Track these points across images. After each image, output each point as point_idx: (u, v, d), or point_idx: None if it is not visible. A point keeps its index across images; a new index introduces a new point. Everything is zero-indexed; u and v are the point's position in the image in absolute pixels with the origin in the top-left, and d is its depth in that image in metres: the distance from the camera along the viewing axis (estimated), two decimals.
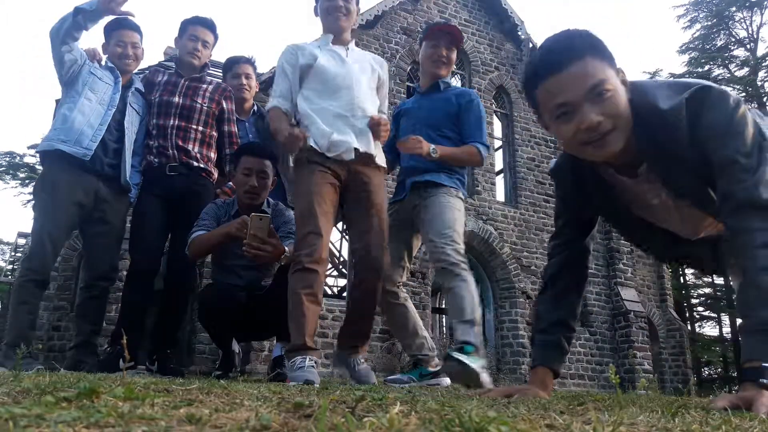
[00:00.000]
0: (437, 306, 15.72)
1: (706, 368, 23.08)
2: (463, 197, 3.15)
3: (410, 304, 3.19)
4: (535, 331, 1.78)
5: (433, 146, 2.99)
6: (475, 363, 2.62)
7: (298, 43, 2.96)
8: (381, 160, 2.85)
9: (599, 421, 0.87)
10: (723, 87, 1.49)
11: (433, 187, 3.08)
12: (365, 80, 2.89)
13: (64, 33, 3.21)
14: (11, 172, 24.42)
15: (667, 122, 1.43)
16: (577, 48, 1.42)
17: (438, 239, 2.92)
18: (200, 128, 3.47)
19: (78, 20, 3.17)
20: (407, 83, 11.35)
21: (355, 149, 2.71)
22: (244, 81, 3.86)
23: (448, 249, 2.89)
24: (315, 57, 2.84)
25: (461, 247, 2.94)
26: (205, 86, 3.55)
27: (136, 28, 3.49)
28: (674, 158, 1.46)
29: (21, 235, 17.14)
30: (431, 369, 3.07)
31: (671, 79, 2.00)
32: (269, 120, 2.87)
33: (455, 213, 3.03)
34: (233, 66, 3.91)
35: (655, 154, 1.49)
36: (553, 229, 1.88)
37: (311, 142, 2.67)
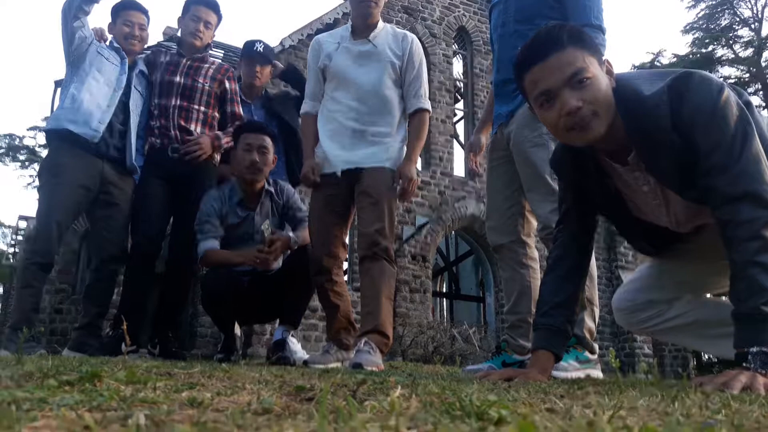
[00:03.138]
0: (438, 290, 15.79)
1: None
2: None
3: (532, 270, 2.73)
4: (537, 314, 1.79)
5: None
6: (567, 361, 2.34)
7: (321, 38, 2.96)
8: (386, 163, 2.77)
9: (599, 405, 0.87)
10: (705, 72, 1.50)
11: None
12: (380, 79, 2.81)
13: (76, 6, 3.20)
14: (11, 154, 24.40)
15: (649, 109, 1.46)
16: (559, 39, 1.49)
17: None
18: (202, 108, 3.45)
19: None
20: None
21: (343, 170, 2.76)
22: (258, 70, 3.79)
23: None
24: (331, 57, 2.85)
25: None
26: (207, 66, 3.53)
27: (144, 11, 3.48)
28: (658, 145, 1.49)
29: (22, 218, 17.16)
30: (518, 357, 2.61)
31: (657, 69, 2.03)
32: (301, 128, 3.04)
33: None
34: (250, 59, 3.81)
35: (641, 141, 1.51)
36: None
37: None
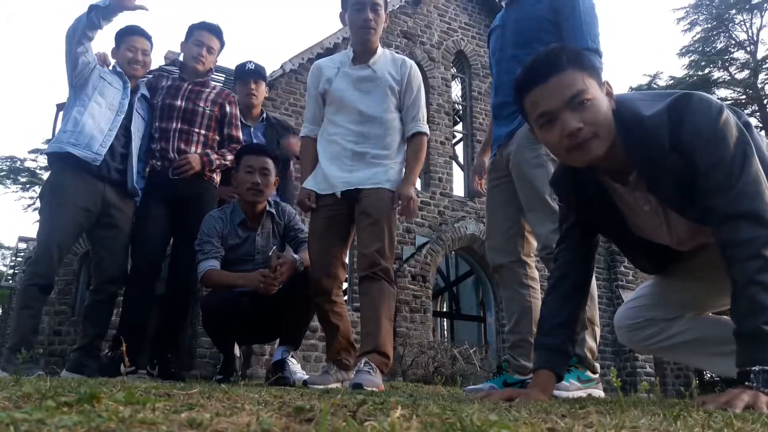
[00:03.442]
0: (438, 309, 15.73)
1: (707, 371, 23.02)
2: None
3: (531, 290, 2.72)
4: (538, 334, 1.78)
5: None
6: (569, 381, 2.31)
7: (321, 63, 3.00)
8: (386, 183, 2.78)
9: (601, 424, 0.87)
10: (705, 94, 1.52)
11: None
12: (380, 104, 2.84)
13: (80, 33, 3.25)
14: (12, 176, 24.47)
15: (649, 130, 1.48)
16: (559, 61, 1.51)
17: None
18: (203, 131, 3.48)
19: (92, 18, 3.21)
20: None
21: (343, 192, 2.77)
22: (253, 88, 3.86)
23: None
24: (331, 82, 2.88)
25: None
26: (208, 90, 3.57)
27: (148, 36, 3.53)
28: (658, 165, 1.50)
29: (22, 239, 17.15)
30: (519, 377, 2.60)
31: (657, 90, 2.05)
32: (300, 150, 3.07)
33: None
34: (244, 78, 3.90)
35: (641, 161, 1.53)
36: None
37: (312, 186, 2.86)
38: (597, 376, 2.47)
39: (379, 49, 2.94)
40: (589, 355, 2.47)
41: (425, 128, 2.90)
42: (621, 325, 1.96)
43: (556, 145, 1.54)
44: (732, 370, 1.38)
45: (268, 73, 4.15)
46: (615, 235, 1.84)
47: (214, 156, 3.44)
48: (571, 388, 2.33)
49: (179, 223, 3.38)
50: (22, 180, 24.44)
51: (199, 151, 3.45)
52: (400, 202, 2.74)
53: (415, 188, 2.87)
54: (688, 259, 1.81)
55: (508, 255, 2.73)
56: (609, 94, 1.56)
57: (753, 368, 1.31)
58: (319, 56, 9.64)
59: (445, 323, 16.38)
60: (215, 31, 3.59)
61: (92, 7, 3.21)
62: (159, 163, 3.41)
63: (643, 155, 1.51)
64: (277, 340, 3.29)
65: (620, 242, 1.86)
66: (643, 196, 1.62)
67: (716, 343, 1.75)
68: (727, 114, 1.46)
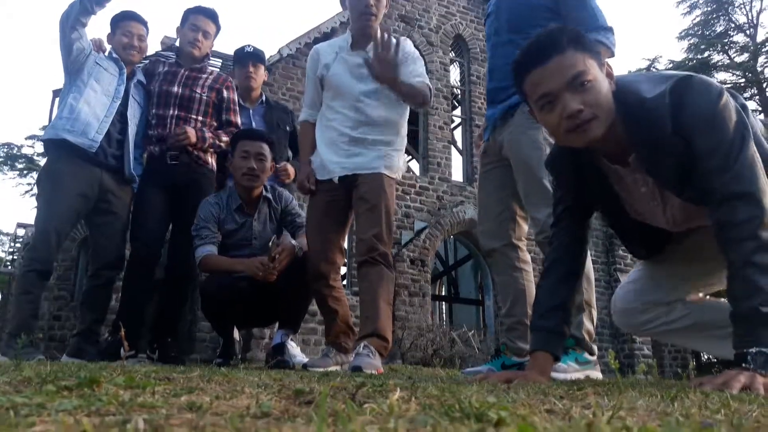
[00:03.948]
0: (437, 293, 15.78)
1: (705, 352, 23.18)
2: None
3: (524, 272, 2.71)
4: (534, 317, 1.79)
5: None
6: (567, 363, 2.30)
7: (320, 48, 2.98)
8: (384, 169, 2.76)
9: (599, 405, 0.87)
10: (705, 76, 1.53)
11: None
12: (378, 90, 2.80)
13: (74, 18, 3.22)
14: (9, 163, 24.41)
15: (650, 111, 1.48)
16: (559, 42, 1.50)
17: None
18: (200, 118, 3.47)
19: (85, 3, 3.18)
20: None
21: (340, 177, 2.76)
22: (252, 71, 3.85)
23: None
24: (328, 68, 2.86)
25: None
26: (205, 76, 3.54)
27: (143, 22, 3.50)
28: (657, 147, 1.51)
29: (20, 225, 17.15)
30: (517, 359, 2.60)
31: (658, 71, 2.04)
32: (299, 135, 3.05)
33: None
34: (242, 60, 3.89)
35: (641, 143, 1.53)
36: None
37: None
38: (594, 358, 2.49)
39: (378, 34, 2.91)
40: (586, 337, 2.49)
41: (427, 81, 2.82)
42: (618, 309, 1.97)
43: (555, 126, 1.54)
44: (731, 353, 1.38)
45: (265, 57, 4.12)
46: (610, 218, 1.85)
47: (208, 134, 3.43)
48: (569, 370, 2.34)
49: (177, 209, 3.38)
50: (20, 166, 24.38)
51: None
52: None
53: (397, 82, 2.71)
54: (679, 241, 1.81)
55: (500, 239, 2.74)
56: (609, 75, 1.56)
57: (750, 350, 1.32)
58: (317, 41, 9.58)
59: (443, 306, 16.45)
60: (211, 15, 3.55)
61: None
62: (156, 149, 3.40)
63: (644, 137, 1.51)
64: (277, 324, 3.30)
65: (615, 225, 1.87)
66: (641, 177, 1.63)
67: (715, 327, 1.77)
68: (727, 97, 1.47)
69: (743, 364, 1.31)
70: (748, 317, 1.35)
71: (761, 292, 1.34)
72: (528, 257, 2.76)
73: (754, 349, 1.32)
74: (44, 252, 3.10)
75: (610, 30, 2.49)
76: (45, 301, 9.67)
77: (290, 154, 3.95)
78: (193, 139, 3.36)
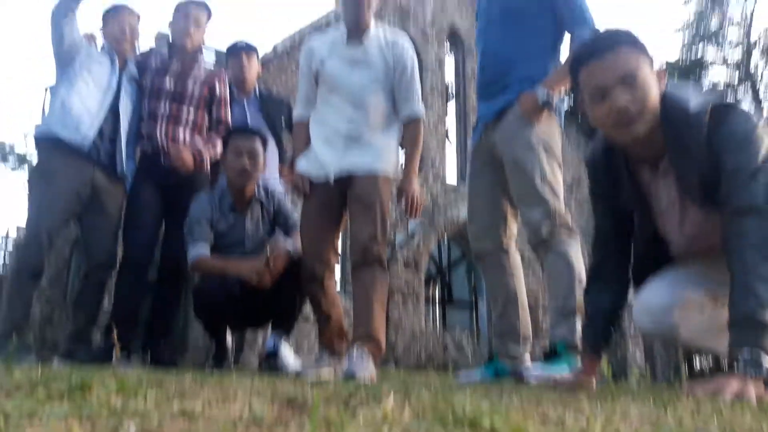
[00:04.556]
0: (431, 296, 15.78)
1: (697, 359, 23.23)
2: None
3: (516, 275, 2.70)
4: (584, 325, 1.95)
5: (542, 91, 2.49)
6: (560, 368, 2.25)
7: (313, 44, 2.94)
8: (379, 169, 2.74)
9: (592, 411, 0.87)
10: (747, 109, 1.66)
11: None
12: (373, 84, 2.79)
13: (65, 5, 3.18)
14: (2, 161, 24.24)
15: (691, 121, 1.58)
16: (618, 41, 1.63)
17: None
18: (191, 112, 3.45)
19: None
20: None
21: (337, 177, 2.73)
22: (245, 61, 3.85)
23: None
24: (323, 62, 2.82)
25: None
26: (197, 70, 3.52)
27: (135, 14, 3.47)
28: (690, 156, 1.59)
29: (14, 227, 17.04)
30: (511, 364, 2.57)
31: (707, 90, 2.08)
32: (293, 135, 3.03)
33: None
34: (235, 52, 3.90)
35: (676, 148, 1.62)
36: None
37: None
38: None
39: (373, 27, 2.86)
40: (579, 342, 2.48)
41: (420, 109, 2.84)
42: (651, 306, 1.83)
43: (603, 119, 1.63)
44: None
45: (259, 53, 4.13)
46: (639, 224, 1.88)
47: (206, 155, 3.40)
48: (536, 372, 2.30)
49: (171, 209, 3.35)
50: (11, 165, 24.23)
51: (188, 134, 3.41)
52: (404, 199, 2.71)
53: (417, 179, 2.82)
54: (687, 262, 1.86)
55: (491, 241, 2.72)
56: (659, 79, 1.65)
57: (742, 351, 1.35)
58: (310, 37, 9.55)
59: (437, 309, 16.45)
60: (201, 2, 3.51)
61: None
62: (149, 147, 3.38)
63: (680, 142, 1.60)
64: (270, 326, 3.29)
65: (638, 240, 1.90)
66: (666, 184, 1.70)
67: None
68: (762, 130, 1.56)
69: (735, 364, 1.35)
70: (743, 321, 1.38)
71: (758, 299, 1.37)
72: (519, 259, 2.75)
73: (745, 350, 1.35)
74: (35, 252, 3.06)
75: (595, 29, 2.50)
76: (37, 303, 9.62)
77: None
78: (191, 165, 3.34)
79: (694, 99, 1.61)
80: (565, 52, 2.65)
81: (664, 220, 1.78)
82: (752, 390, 1.27)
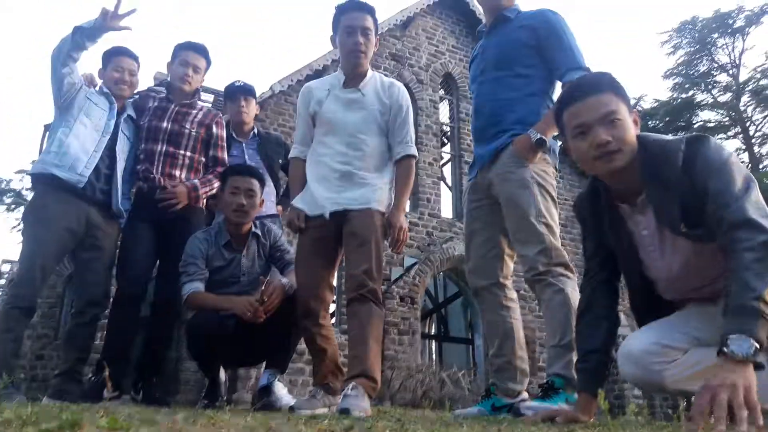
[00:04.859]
0: (427, 332, 15.66)
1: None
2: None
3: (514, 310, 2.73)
4: (576, 361, 1.97)
5: (535, 134, 2.54)
6: (558, 403, 2.24)
7: (312, 85, 3.01)
8: (374, 204, 2.76)
9: None
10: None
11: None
12: (369, 125, 2.84)
13: (65, 54, 3.23)
14: None
15: (667, 152, 1.69)
16: (599, 84, 1.77)
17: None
18: (188, 153, 3.47)
19: (77, 39, 3.20)
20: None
21: (332, 212, 2.75)
22: (243, 104, 3.89)
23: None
24: (321, 104, 2.89)
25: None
26: (195, 112, 3.55)
27: (135, 57, 3.53)
28: (668, 186, 1.67)
29: (5, 261, 16.93)
30: (507, 400, 2.57)
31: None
32: (290, 171, 3.08)
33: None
34: (233, 95, 3.94)
35: (653, 179, 1.71)
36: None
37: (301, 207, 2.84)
38: None
39: (369, 72, 2.95)
40: (576, 376, 2.46)
41: (413, 150, 2.91)
42: (634, 353, 1.85)
43: (585, 153, 1.75)
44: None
45: (257, 94, 4.18)
46: (625, 267, 1.95)
47: (202, 191, 3.43)
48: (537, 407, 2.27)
49: (166, 246, 3.35)
50: (8, 201, 24.20)
51: (184, 174, 3.44)
52: (391, 231, 2.75)
53: (405, 214, 2.86)
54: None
55: (488, 277, 2.75)
56: (636, 122, 1.78)
57: (731, 335, 1.40)
58: (308, 78, 9.69)
59: (433, 345, 16.30)
60: (201, 50, 3.57)
61: (77, 29, 3.20)
62: (144, 185, 3.39)
63: (655, 171, 1.70)
64: (264, 364, 3.26)
65: (628, 276, 1.96)
66: (644, 220, 1.79)
67: None
68: (736, 157, 1.66)
69: (723, 348, 1.39)
70: (736, 309, 1.44)
71: (754, 291, 1.43)
72: (515, 295, 2.77)
73: (735, 335, 1.39)
74: (28, 288, 3.05)
75: (587, 70, 2.57)
76: (27, 340, 9.49)
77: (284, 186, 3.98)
78: (185, 201, 3.35)
79: (666, 137, 1.75)
80: (557, 95, 2.71)
81: (644, 255, 1.84)
82: (740, 385, 1.31)
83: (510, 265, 2.78)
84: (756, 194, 1.60)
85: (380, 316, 2.67)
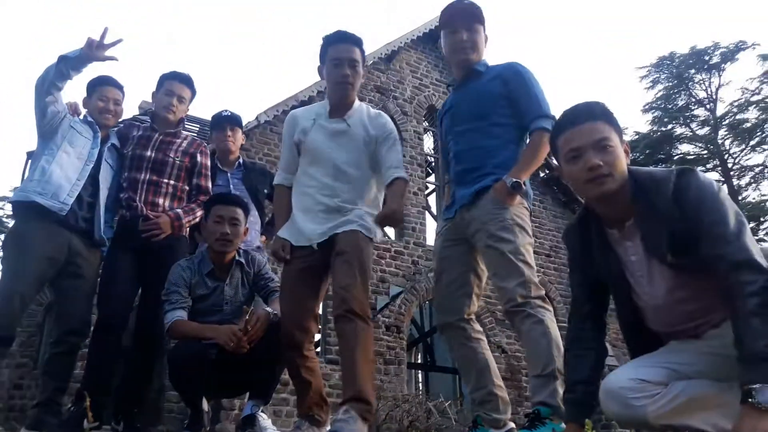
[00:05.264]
0: (413, 361, 15.54)
1: None
2: None
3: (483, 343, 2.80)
4: (564, 391, 2.02)
5: (510, 180, 2.62)
6: None
7: (297, 113, 3.00)
8: (363, 230, 2.73)
9: None
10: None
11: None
12: (354, 156, 2.82)
13: (49, 83, 3.23)
14: None
15: (657, 181, 1.75)
16: (593, 112, 1.84)
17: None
18: (172, 182, 3.46)
19: (61, 68, 3.20)
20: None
21: (319, 242, 2.72)
22: (230, 134, 3.89)
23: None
24: (306, 133, 2.86)
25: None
26: (179, 141, 3.55)
27: (120, 86, 3.53)
28: (658, 214, 1.72)
29: None
30: (495, 431, 2.60)
31: None
32: (274, 198, 3.06)
33: None
34: (220, 124, 3.94)
35: (643, 206, 1.76)
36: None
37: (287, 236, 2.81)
38: None
39: (356, 103, 2.93)
40: (562, 405, 2.46)
41: (404, 174, 2.84)
42: (613, 390, 1.83)
43: (577, 176, 1.81)
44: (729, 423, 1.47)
45: (243, 123, 4.18)
46: (615, 294, 1.98)
47: (185, 220, 3.41)
48: None
49: (148, 275, 3.32)
50: None
51: (167, 203, 3.42)
52: (384, 210, 2.71)
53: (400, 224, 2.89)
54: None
55: (455, 314, 2.79)
56: (626, 152, 1.85)
57: (754, 386, 1.43)
58: (294, 108, 9.72)
59: (419, 375, 16.16)
60: (186, 80, 3.58)
61: (61, 58, 3.20)
62: (127, 213, 3.37)
63: (646, 199, 1.75)
64: (247, 394, 3.21)
65: (619, 306, 1.99)
66: (632, 246, 1.83)
67: (713, 397, 1.72)
68: (725, 192, 1.72)
69: (749, 399, 1.42)
70: (753, 357, 1.47)
71: (765, 338, 1.46)
72: (480, 329, 2.85)
73: (758, 385, 1.43)
74: (7, 318, 2.99)
75: (553, 118, 2.66)
76: (6, 369, 9.29)
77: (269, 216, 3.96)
78: (168, 231, 3.33)
79: (656, 170, 1.81)
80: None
81: (633, 281, 1.87)
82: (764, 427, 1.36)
83: (476, 303, 2.84)
84: (749, 231, 1.64)
85: (368, 333, 2.56)
